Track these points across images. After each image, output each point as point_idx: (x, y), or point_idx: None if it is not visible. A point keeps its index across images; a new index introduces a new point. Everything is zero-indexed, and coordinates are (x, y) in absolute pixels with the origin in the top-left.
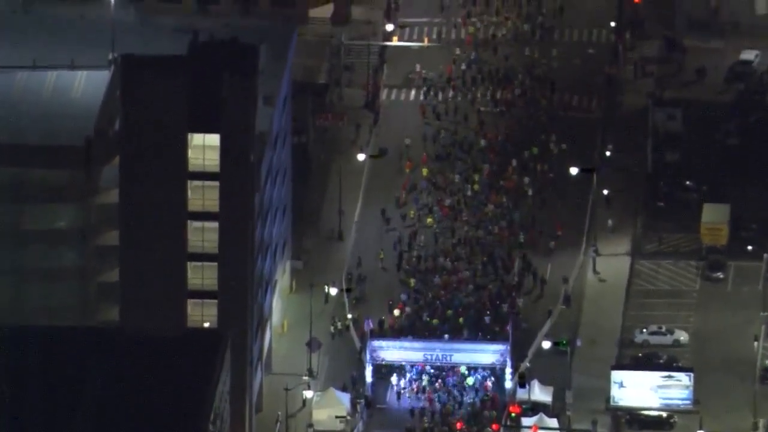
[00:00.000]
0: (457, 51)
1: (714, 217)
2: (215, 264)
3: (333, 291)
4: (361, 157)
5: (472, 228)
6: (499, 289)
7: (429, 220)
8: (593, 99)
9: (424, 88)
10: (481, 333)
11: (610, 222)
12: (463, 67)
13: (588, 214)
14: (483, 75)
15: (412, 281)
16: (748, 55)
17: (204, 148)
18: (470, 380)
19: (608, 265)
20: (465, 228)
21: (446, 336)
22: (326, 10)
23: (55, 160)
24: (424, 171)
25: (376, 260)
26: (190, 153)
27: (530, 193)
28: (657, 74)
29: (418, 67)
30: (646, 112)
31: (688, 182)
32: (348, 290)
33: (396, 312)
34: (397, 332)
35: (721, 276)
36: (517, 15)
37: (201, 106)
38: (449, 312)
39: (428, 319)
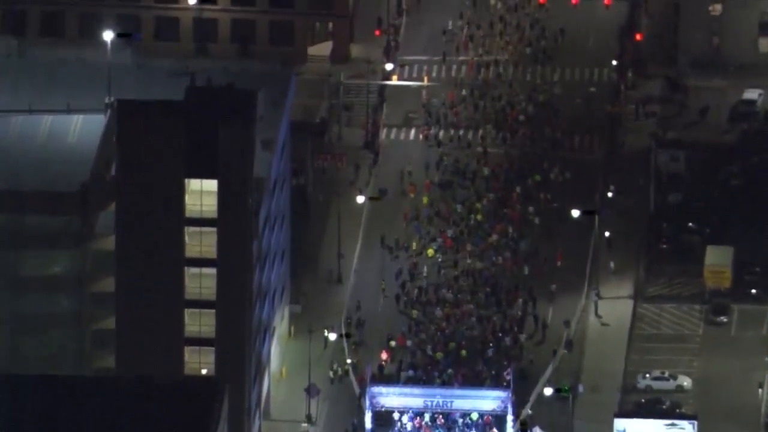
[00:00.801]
0: (459, 79)
1: (717, 259)
2: (213, 311)
3: (332, 336)
4: (360, 199)
5: (476, 259)
6: (503, 323)
7: (430, 251)
8: (594, 139)
9: (427, 114)
10: (484, 367)
11: (611, 264)
12: (465, 93)
13: (589, 256)
14: (486, 101)
15: (414, 313)
16: (752, 94)
17: (201, 193)
18: (474, 415)
19: (610, 308)
20: (468, 260)
21: (449, 370)
22: (325, 48)
23: (50, 206)
24: (425, 199)
25: (377, 301)
26: (188, 199)
27: (537, 221)
28: (659, 114)
29: (424, 94)
30: (649, 153)
31: (691, 224)
32: (347, 335)
33: (393, 343)
34: (397, 366)
35: (725, 320)
36: (519, 39)
37: (198, 152)
38: (452, 344)
39: (431, 353)
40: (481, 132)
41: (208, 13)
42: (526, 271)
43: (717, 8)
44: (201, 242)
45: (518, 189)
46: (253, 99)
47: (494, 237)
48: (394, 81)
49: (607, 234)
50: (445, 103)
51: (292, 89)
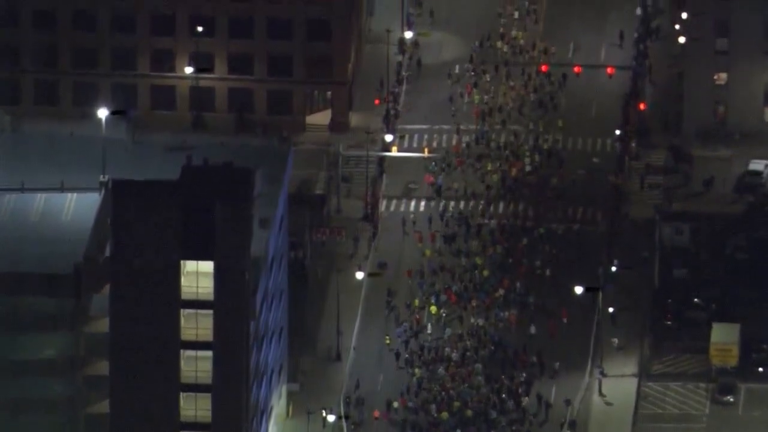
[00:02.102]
0: (463, 125)
1: (724, 337)
2: (209, 394)
3: (330, 417)
4: (359, 275)
5: (481, 316)
6: (510, 385)
7: (433, 308)
8: (598, 211)
9: (432, 164)
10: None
11: (615, 341)
12: (467, 140)
13: (593, 333)
14: (491, 151)
15: (417, 371)
16: (758, 165)
17: (198, 275)
18: None
19: (615, 386)
20: (472, 318)
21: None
22: (324, 117)
23: (43, 288)
24: (427, 252)
25: (375, 379)
26: (184, 280)
27: (548, 273)
28: (663, 185)
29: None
30: (653, 225)
31: (696, 300)
32: (346, 417)
33: (396, 404)
34: (400, 427)
35: (732, 399)
36: (524, 85)
37: (195, 233)
38: (457, 404)
39: (436, 414)
40: (486, 183)
41: (205, 82)
42: (533, 330)
43: (722, 77)
44: (197, 325)
45: (525, 241)
46: (250, 178)
47: (500, 292)
48: (394, 152)
49: (611, 310)
50: (449, 153)
51: (290, 165)
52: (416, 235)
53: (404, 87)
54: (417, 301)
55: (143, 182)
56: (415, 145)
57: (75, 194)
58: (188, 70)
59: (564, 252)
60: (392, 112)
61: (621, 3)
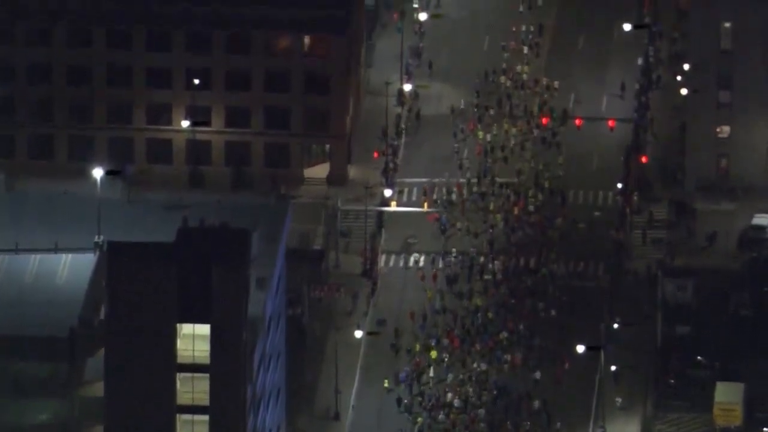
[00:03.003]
0: (467, 163)
1: (727, 396)
2: None
3: None
4: (358, 334)
5: (484, 359)
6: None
7: (433, 353)
8: (599, 266)
9: (437, 201)
10: None
11: (618, 400)
12: (470, 177)
13: (595, 392)
14: (494, 189)
15: (419, 419)
16: (761, 219)
17: (194, 338)
18: None
19: None
20: (475, 363)
21: None
22: (322, 170)
23: (37, 352)
24: (429, 293)
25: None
26: (179, 343)
27: (552, 314)
28: (666, 239)
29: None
30: (655, 280)
31: (699, 357)
32: None
33: None
34: None
35: None
36: (527, 121)
37: (191, 296)
38: None
39: None
40: (489, 220)
41: (201, 135)
42: (538, 375)
43: (725, 130)
44: (193, 388)
45: (528, 282)
46: (247, 240)
47: (504, 334)
48: (393, 207)
49: (613, 368)
50: (452, 191)
51: (287, 224)
52: (419, 274)
53: (403, 139)
54: (418, 346)
55: (139, 244)
56: (414, 198)
57: (70, 255)
58: (185, 123)
59: (566, 307)
60: (391, 165)
61: (623, 51)
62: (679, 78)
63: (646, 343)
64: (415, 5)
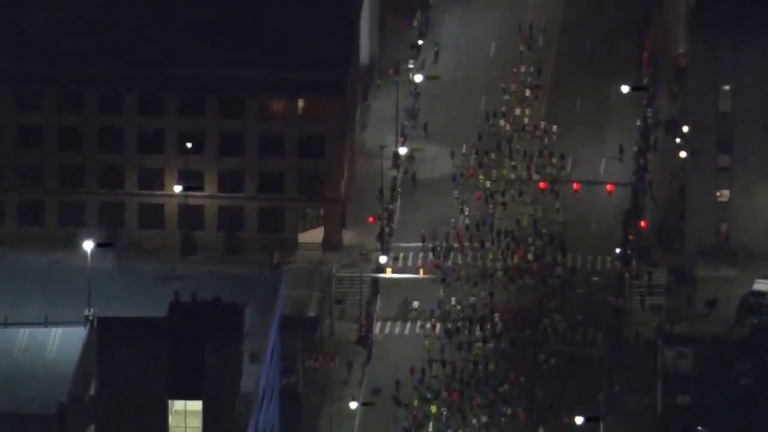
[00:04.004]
0: (466, 210)
1: None
2: None
3: None
4: (353, 405)
5: (485, 413)
6: None
7: (433, 408)
8: (598, 333)
9: (438, 249)
10: None
11: None
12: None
13: None
14: (493, 237)
15: None
16: (762, 285)
17: (186, 414)
18: None
19: None
20: (474, 420)
21: None
22: (317, 235)
23: (25, 429)
24: (427, 343)
25: None
26: (171, 420)
27: (553, 362)
28: (665, 306)
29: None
30: (655, 348)
31: (700, 428)
32: None
33: None
34: None
35: None
36: (527, 166)
37: (182, 372)
38: None
39: None
40: (488, 272)
41: (194, 200)
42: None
43: (725, 194)
44: None
45: (528, 332)
46: (240, 315)
47: (505, 387)
48: (389, 273)
49: None
50: (449, 237)
51: (281, 296)
52: (423, 320)
53: (399, 203)
54: (416, 401)
55: (130, 319)
56: (410, 263)
57: (60, 329)
58: (177, 188)
59: (564, 375)
60: (386, 229)
61: (621, 113)
62: (678, 140)
63: (646, 412)
64: (411, 65)
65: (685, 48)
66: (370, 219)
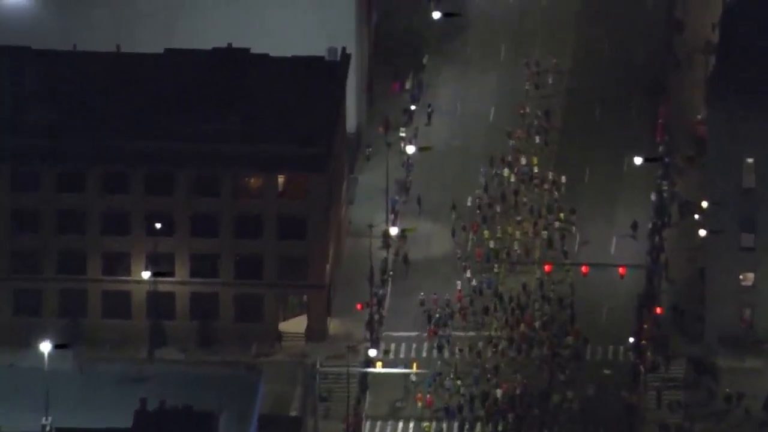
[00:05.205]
0: (468, 273)
1: None
2: None
3: None
4: None
5: None
6: None
7: None
8: None
9: (436, 317)
10: None
11: None
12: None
13: None
14: (496, 303)
15: None
16: None
17: None
18: None
19: None
20: None
21: None
22: (299, 325)
23: None
24: (426, 427)
25: None
26: None
27: None
28: (684, 402)
29: (422, 295)
30: None
31: None
32: None
33: None
34: None
35: None
36: (534, 224)
37: None
38: None
39: None
40: (492, 342)
41: (164, 287)
42: None
43: (749, 277)
44: None
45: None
46: (213, 424)
47: None
48: (379, 368)
49: None
50: (449, 305)
51: (259, 399)
52: (417, 398)
53: (390, 288)
54: None
55: (91, 431)
56: (402, 356)
57: None
58: (145, 273)
59: None
60: (376, 317)
61: (633, 186)
62: (696, 217)
63: None
64: (402, 134)
65: (704, 115)
66: (359, 306)
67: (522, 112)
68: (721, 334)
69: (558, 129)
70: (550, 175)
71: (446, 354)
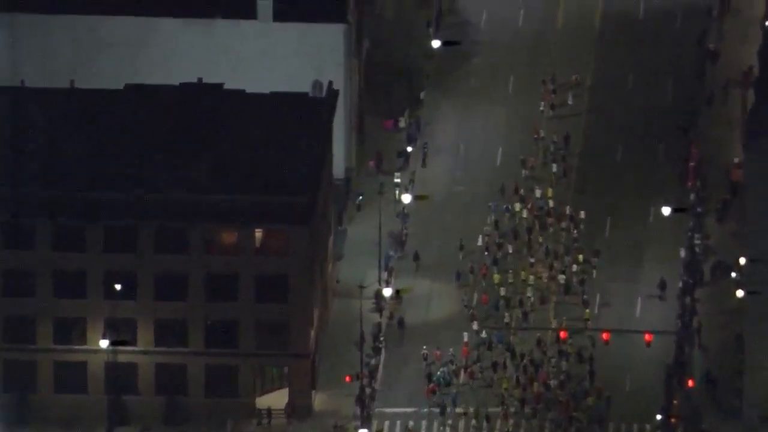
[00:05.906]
0: (475, 326)
1: None
2: None
3: None
4: None
5: None
6: None
7: None
8: None
9: (438, 374)
10: None
11: None
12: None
13: None
14: (505, 359)
15: None
16: None
17: None
18: None
19: None
20: None
21: None
22: (280, 399)
23: None
24: None
25: None
26: None
27: None
28: None
29: (424, 349)
30: None
31: None
32: None
33: None
34: None
35: None
36: (550, 266)
37: None
38: None
39: None
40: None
41: (124, 357)
42: None
43: None
44: None
45: None
46: None
47: None
48: None
49: None
50: (454, 361)
51: None
52: None
53: (382, 357)
54: None
55: None
56: None
57: None
58: (103, 342)
59: None
60: (367, 391)
61: (661, 234)
62: (733, 275)
63: None
64: (397, 179)
65: (741, 158)
66: (347, 378)
67: (536, 136)
68: (762, 410)
69: (577, 154)
70: (568, 210)
71: (449, 419)
